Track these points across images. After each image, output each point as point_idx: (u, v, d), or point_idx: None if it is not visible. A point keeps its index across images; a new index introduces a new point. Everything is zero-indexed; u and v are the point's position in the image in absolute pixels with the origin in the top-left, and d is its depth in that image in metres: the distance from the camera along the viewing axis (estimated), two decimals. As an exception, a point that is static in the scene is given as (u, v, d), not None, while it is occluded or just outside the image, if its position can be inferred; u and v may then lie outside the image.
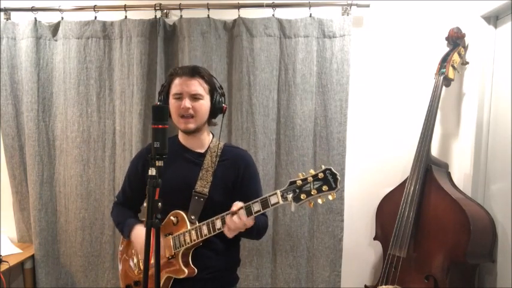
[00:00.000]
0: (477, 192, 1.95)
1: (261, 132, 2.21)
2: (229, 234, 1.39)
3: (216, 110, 1.54)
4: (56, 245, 2.47)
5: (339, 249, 2.24)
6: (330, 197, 1.27)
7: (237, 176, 1.54)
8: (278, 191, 1.31)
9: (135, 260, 1.62)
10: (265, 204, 1.33)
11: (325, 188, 1.26)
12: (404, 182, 1.98)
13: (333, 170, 1.26)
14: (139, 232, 1.54)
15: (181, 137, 1.59)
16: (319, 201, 1.28)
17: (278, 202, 1.31)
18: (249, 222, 1.35)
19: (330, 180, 1.26)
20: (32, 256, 2.41)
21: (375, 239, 2.12)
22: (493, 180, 1.90)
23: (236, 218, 1.34)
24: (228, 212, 1.38)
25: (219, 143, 1.57)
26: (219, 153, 1.54)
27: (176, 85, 1.48)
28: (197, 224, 1.44)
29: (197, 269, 1.47)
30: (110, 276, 2.42)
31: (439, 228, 1.80)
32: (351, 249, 2.29)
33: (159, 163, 1.16)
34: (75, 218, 2.39)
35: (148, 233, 1.14)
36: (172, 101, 1.49)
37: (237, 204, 1.37)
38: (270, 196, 1.32)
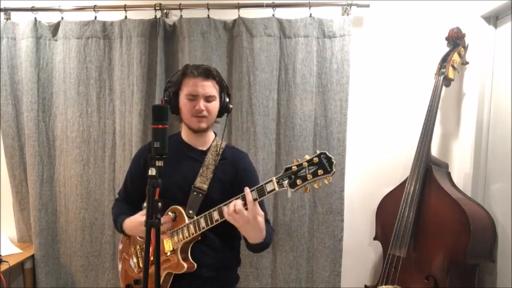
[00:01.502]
0: (477, 192, 1.95)
1: (261, 132, 2.21)
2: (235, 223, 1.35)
3: (222, 109, 1.56)
4: (56, 245, 2.47)
5: (339, 249, 2.24)
6: (326, 181, 1.26)
7: (235, 176, 1.55)
8: (274, 178, 1.31)
9: (135, 259, 1.62)
10: (261, 191, 1.32)
11: (320, 172, 1.25)
12: (404, 182, 1.98)
13: (327, 154, 1.26)
14: (130, 220, 1.53)
15: (184, 135, 1.60)
16: (315, 185, 1.28)
17: (274, 189, 1.30)
18: (255, 208, 1.31)
19: (325, 164, 1.25)
20: (32, 256, 2.41)
21: (375, 239, 2.12)
22: (493, 180, 1.90)
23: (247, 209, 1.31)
24: (227, 202, 1.37)
25: (221, 142, 1.58)
26: (220, 152, 1.55)
27: (190, 85, 1.48)
28: (195, 218, 1.45)
29: (196, 266, 1.47)
30: (110, 276, 2.42)
31: (439, 228, 1.80)
32: (351, 249, 2.29)
33: (159, 163, 1.16)
34: (75, 218, 2.39)
35: (149, 233, 1.14)
36: (184, 101, 1.50)
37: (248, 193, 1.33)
38: (266, 184, 1.32)
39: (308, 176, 1.27)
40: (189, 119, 1.51)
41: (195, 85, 1.48)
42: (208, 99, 1.49)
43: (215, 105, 1.52)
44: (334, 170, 1.25)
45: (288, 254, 2.27)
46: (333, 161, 1.25)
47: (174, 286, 1.51)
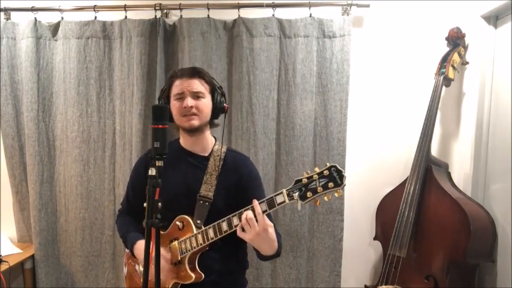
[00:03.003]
0: (477, 192, 1.95)
1: (261, 132, 2.21)
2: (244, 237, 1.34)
3: (217, 109, 1.53)
4: (56, 245, 2.47)
5: (339, 249, 2.24)
6: (336, 194, 1.26)
7: (238, 181, 1.52)
8: (284, 190, 1.30)
9: (141, 267, 1.61)
10: (271, 203, 1.31)
11: (331, 185, 1.25)
12: (404, 182, 1.98)
13: (338, 167, 1.25)
14: (141, 247, 1.50)
15: (183, 141, 1.57)
16: (325, 198, 1.28)
17: (284, 201, 1.29)
18: (264, 220, 1.30)
19: (336, 177, 1.25)
20: (32, 256, 2.41)
21: (374, 239, 2.13)
22: (493, 180, 1.90)
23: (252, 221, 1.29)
24: (235, 213, 1.36)
25: (222, 147, 1.56)
26: (222, 157, 1.53)
27: (177, 86, 1.48)
28: (203, 228, 1.43)
29: (203, 273, 1.45)
30: (110, 276, 2.42)
31: (439, 228, 1.80)
32: (351, 249, 2.29)
33: (159, 163, 1.16)
34: (75, 218, 2.39)
35: (149, 233, 1.13)
36: (174, 103, 1.48)
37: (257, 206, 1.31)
38: (276, 196, 1.31)
39: (318, 188, 1.26)
40: (179, 119, 1.48)
41: (181, 84, 1.47)
42: (196, 95, 1.46)
43: (205, 103, 1.48)
44: (344, 183, 1.24)
45: (288, 254, 2.27)
46: (344, 174, 1.25)
47: None
